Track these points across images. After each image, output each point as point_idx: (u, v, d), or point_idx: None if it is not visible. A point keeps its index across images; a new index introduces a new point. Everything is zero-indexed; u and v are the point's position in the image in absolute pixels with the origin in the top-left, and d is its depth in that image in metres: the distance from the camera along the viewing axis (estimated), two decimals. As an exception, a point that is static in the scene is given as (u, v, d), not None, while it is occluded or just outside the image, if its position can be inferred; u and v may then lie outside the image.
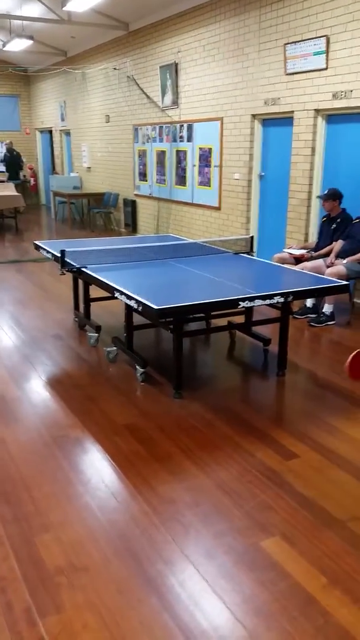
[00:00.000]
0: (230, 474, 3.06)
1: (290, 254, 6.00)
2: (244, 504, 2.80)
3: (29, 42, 10.58)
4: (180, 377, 4.02)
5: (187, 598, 2.22)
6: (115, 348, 4.69)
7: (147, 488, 2.93)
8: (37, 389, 4.17)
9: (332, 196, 5.78)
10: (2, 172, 14.70)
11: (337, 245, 5.65)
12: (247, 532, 2.59)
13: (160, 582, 2.31)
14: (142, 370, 4.26)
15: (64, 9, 8.56)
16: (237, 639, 2.04)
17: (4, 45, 11.37)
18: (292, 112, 6.77)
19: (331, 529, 2.62)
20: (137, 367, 4.29)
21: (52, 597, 2.22)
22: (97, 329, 5.11)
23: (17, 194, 11.87)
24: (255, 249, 5.95)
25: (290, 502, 2.81)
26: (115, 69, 10.92)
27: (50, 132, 15.52)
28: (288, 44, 6.60)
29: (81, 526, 2.65)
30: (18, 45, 11.00)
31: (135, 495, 2.87)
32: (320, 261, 5.65)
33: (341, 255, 5.60)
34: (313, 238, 6.64)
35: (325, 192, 5.92)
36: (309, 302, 5.79)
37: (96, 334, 5.04)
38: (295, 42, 6.51)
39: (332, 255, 5.59)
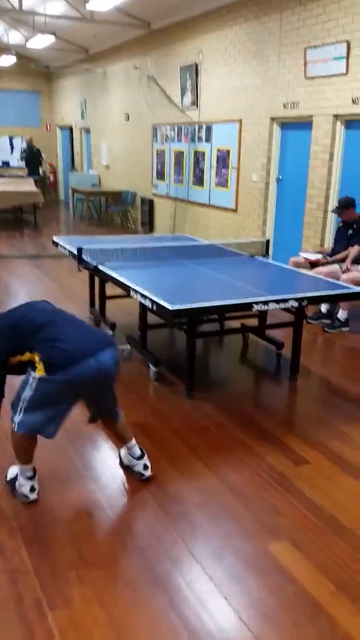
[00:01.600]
0: (241, 476, 3.08)
1: (306, 258, 6.00)
2: (253, 507, 2.82)
3: (52, 39, 10.66)
4: (192, 377, 4.05)
5: (194, 598, 2.25)
6: (129, 346, 4.73)
7: (157, 487, 2.96)
8: (51, 385, 4.21)
9: (346, 206, 5.77)
10: (22, 167, 14.80)
11: (353, 251, 5.64)
12: (255, 536, 2.61)
13: (168, 581, 2.34)
14: (155, 369, 4.29)
15: (87, 6, 8.61)
16: (243, 640, 2.06)
17: (26, 42, 11.46)
18: (311, 116, 6.76)
19: (340, 536, 2.63)
20: (150, 366, 4.32)
21: (61, 591, 2.26)
22: (112, 326, 5.15)
23: (36, 189, 11.94)
24: (270, 252, 5.95)
25: (299, 507, 2.83)
26: (135, 67, 10.95)
27: (71, 129, 15.60)
28: (308, 47, 6.59)
29: (92, 522, 2.69)
30: (41, 42, 11.06)
31: (145, 494, 2.90)
32: (336, 266, 5.64)
33: (357, 261, 5.59)
34: (329, 243, 6.63)
35: (337, 204, 5.91)
36: (324, 307, 5.78)
37: (111, 332, 5.08)
38: (315, 47, 6.49)
39: (348, 261, 5.59)
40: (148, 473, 2.99)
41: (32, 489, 2.80)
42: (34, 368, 2.56)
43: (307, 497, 2.91)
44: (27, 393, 2.58)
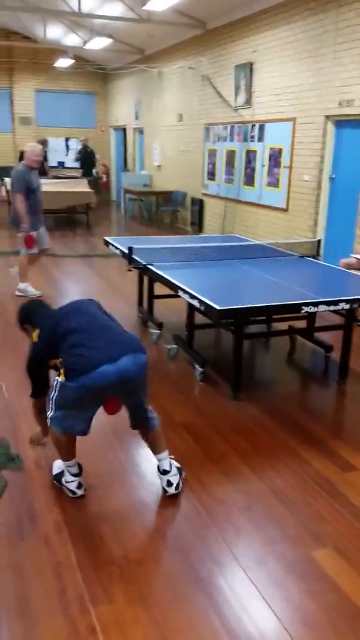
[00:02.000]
0: (285, 480, 3.04)
1: (358, 259, 5.86)
2: (298, 512, 2.78)
3: (109, 41, 10.81)
4: (238, 378, 4.03)
5: (235, 600, 2.24)
6: (175, 346, 4.75)
7: (200, 487, 2.96)
8: (99, 382, 4.28)
9: None
10: (77, 168, 15.07)
11: None
12: (299, 542, 2.58)
13: (209, 582, 2.34)
14: (201, 369, 4.29)
15: (143, 8, 8.69)
16: (283, 646, 2.04)
17: (84, 44, 11.67)
18: (368, 114, 6.61)
19: (386, 545, 2.57)
20: (196, 366, 4.33)
21: (104, 587, 2.29)
22: (159, 325, 5.18)
23: (89, 190, 12.14)
24: (321, 252, 5.85)
25: (344, 514, 2.77)
26: (190, 68, 10.98)
27: (124, 130, 15.79)
28: (367, 44, 6.44)
29: (137, 519, 2.72)
30: (98, 44, 11.25)
31: (188, 494, 2.91)
32: (389, 268, 5.49)
33: None
34: (383, 244, 6.47)
35: None
36: (376, 310, 5.64)
37: (158, 331, 5.12)
38: (374, 42, 6.34)
39: None
40: (171, 490, 2.87)
41: (79, 486, 2.86)
42: (58, 372, 2.64)
43: (353, 504, 2.84)
44: (54, 394, 2.67)
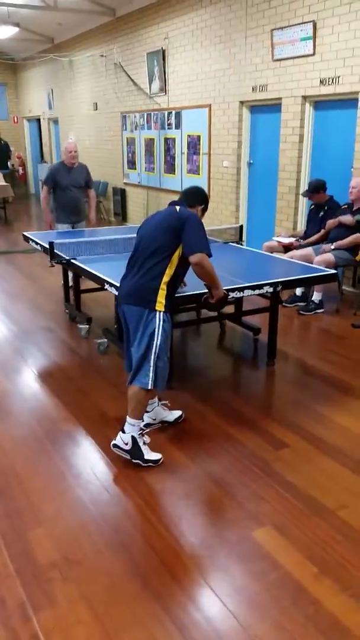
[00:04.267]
0: (221, 464, 3.08)
1: (279, 242, 6.00)
2: (235, 494, 2.82)
3: (15, 30, 10.44)
4: (170, 368, 4.01)
5: (180, 590, 2.24)
6: (105, 340, 4.69)
7: (138, 480, 2.94)
8: (28, 382, 4.17)
9: (316, 189, 5.79)
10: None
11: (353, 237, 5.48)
12: (238, 523, 2.62)
13: (152, 575, 2.33)
14: (86, 326, 4.25)
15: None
16: (230, 630, 2.07)
17: (-12, 33, 11.22)
18: (280, 98, 6.73)
19: (321, 517, 2.65)
20: (80, 325, 4.27)
21: (45, 592, 2.24)
22: (88, 320, 5.09)
23: (5, 183, 11.76)
24: (244, 237, 5.93)
25: (280, 491, 2.84)
26: (102, 55, 10.79)
27: (39, 120, 15.36)
28: (275, 29, 6.54)
29: (74, 520, 2.67)
30: (4, 33, 10.85)
31: (127, 488, 2.89)
32: (309, 249, 5.65)
33: (332, 240, 5.59)
34: (302, 226, 6.64)
35: (307, 187, 5.92)
36: (298, 291, 5.80)
37: (87, 326, 5.03)
38: (282, 28, 6.44)
39: (343, 243, 5.43)
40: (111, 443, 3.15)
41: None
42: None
43: (288, 481, 2.92)
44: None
